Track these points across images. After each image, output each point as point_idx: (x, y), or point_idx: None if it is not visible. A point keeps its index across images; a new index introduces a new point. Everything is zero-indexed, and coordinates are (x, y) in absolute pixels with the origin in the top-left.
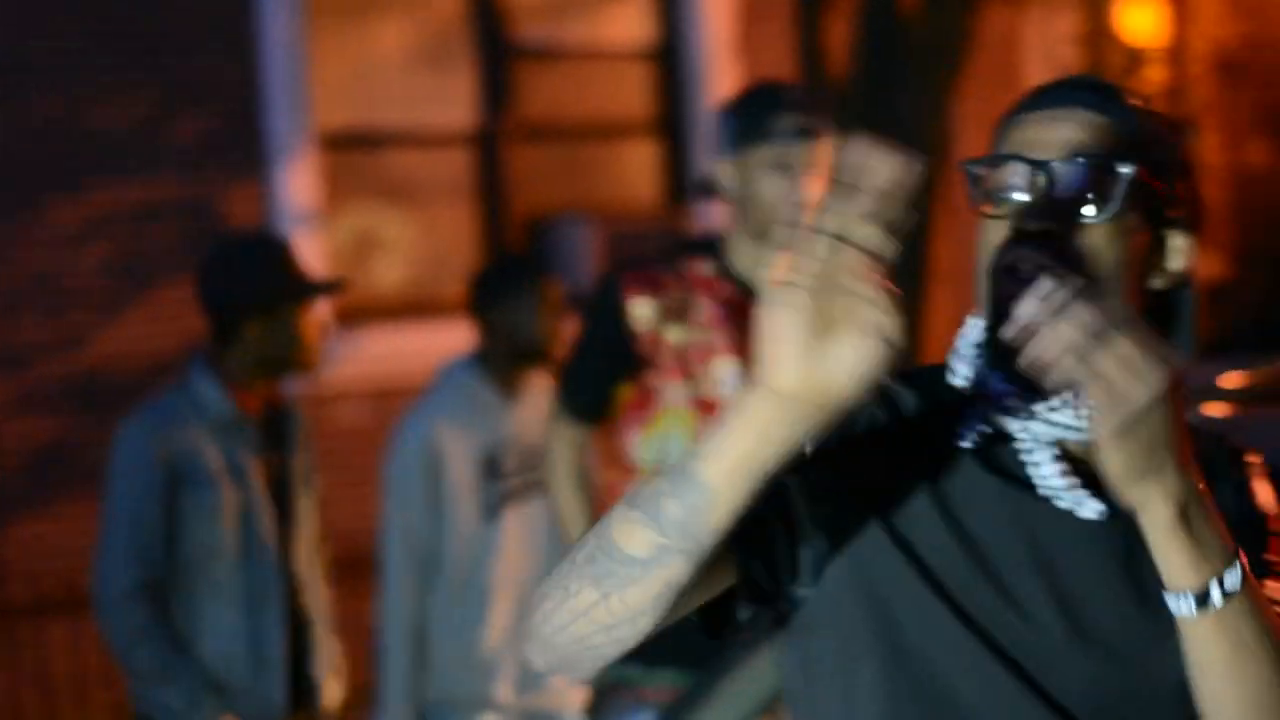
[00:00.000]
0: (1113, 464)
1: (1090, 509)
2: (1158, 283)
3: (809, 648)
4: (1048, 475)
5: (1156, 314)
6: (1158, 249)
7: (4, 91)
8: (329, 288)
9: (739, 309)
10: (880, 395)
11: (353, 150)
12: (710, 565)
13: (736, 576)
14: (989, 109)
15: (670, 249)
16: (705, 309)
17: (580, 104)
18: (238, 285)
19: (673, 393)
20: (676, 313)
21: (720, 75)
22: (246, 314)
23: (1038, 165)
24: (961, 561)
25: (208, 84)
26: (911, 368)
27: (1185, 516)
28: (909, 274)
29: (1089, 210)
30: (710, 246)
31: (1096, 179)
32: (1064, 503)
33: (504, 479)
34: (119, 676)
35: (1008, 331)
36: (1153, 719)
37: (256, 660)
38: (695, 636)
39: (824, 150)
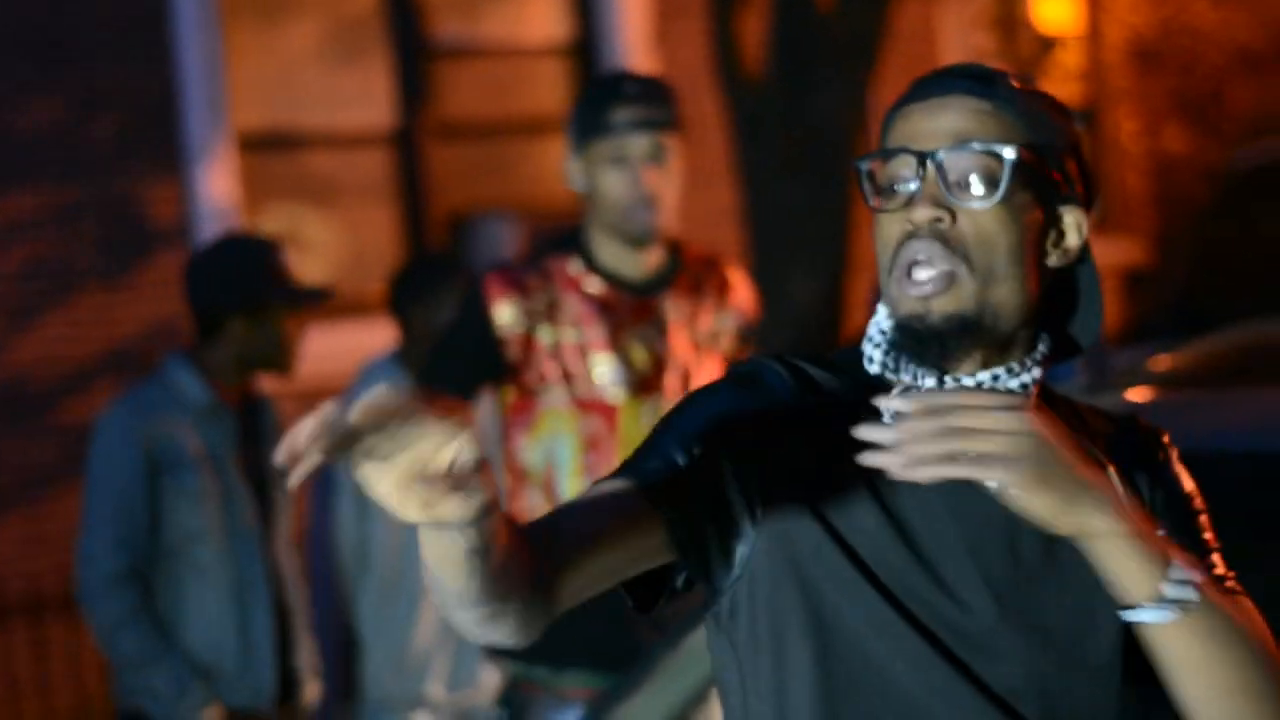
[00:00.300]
0: (1037, 510)
1: None
2: (1055, 260)
3: (738, 632)
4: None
5: (1058, 293)
6: (1053, 227)
7: None
8: (319, 295)
9: (607, 304)
10: (803, 379)
11: (271, 151)
12: (623, 538)
13: (670, 544)
14: None
15: (534, 249)
16: (574, 306)
17: (498, 101)
18: (228, 284)
19: (552, 395)
20: (545, 314)
21: (637, 70)
22: (233, 313)
23: (923, 155)
24: (892, 545)
25: (124, 87)
26: (830, 352)
27: (1122, 526)
28: (831, 266)
29: (978, 195)
30: (573, 242)
31: (982, 164)
32: (993, 484)
33: None
34: (85, 678)
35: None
36: (1086, 700)
37: (245, 647)
38: (606, 634)
39: (667, 141)
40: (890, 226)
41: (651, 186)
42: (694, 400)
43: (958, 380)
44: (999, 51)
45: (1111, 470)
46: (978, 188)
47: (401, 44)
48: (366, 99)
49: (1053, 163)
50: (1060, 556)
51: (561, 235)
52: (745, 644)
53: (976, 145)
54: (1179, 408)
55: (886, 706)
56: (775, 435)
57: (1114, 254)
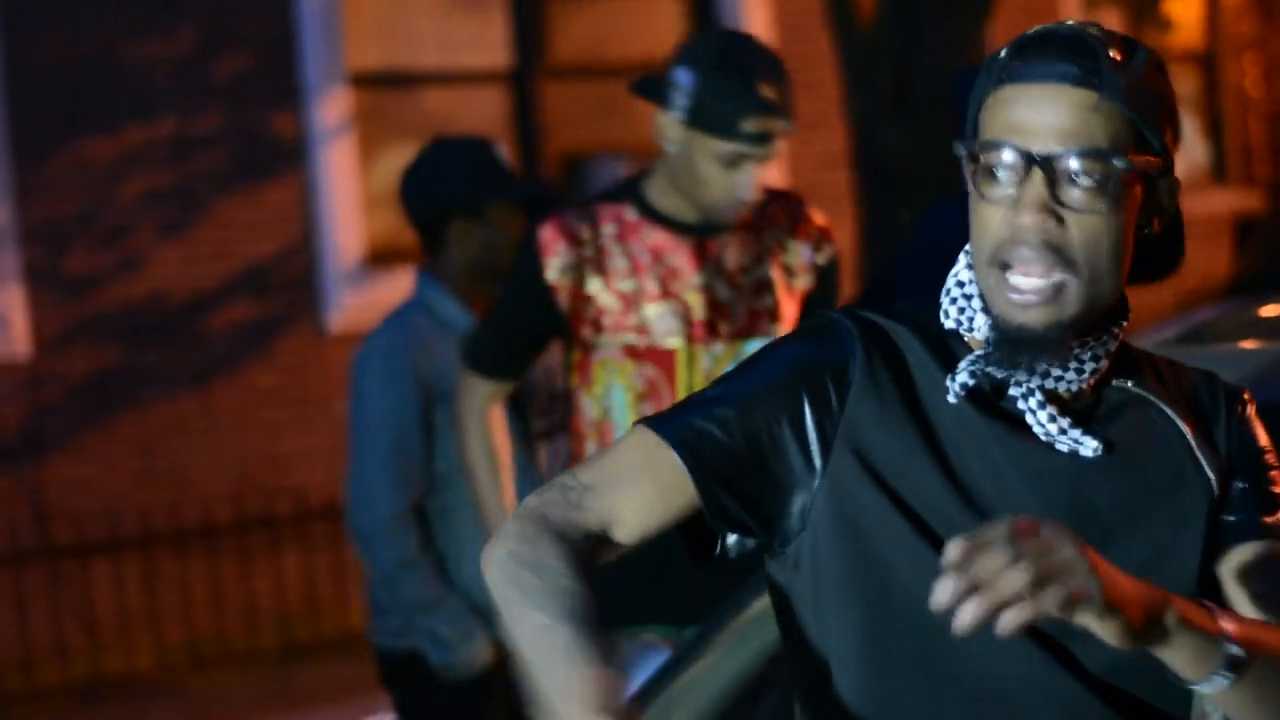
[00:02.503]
0: (1112, 635)
1: (1089, 448)
2: (1150, 230)
3: (801, 584)
4: (1043, 421)
5: (1149, 256)
6: (1152, 201)
7: (45, 30)
8: (535, 188)
9: (664, 250)
10: (872, 334)
11: (386, 89)
12: (656, 498)
13: (704, 506)
14: None
15: (589, 197)
16: (629, 254)
17: (613, 44)
18: (438, 189)
19: (605, 346)
20: (596, 264)
21: (752, 10)
22: (447, 217)
23: (1030, 158)
24: (955, 506)
25: (244, 24)
26: (905, 306)
27: (1172, 624)
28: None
29: (1087, 201)
30: (631, 190)
31: (1092, 169)
32: (1063, 445)
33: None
34: (163, 616)
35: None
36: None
37: None
38: (687, 585)
39: (779, 144)
40: (992, 216)
41: (757, 185)
42: (760, 356)
43: (1041, 369)
44: None
45: (1188, 431)
46: (1087, 194)
47: None
48: (482, 41)
49: (1156, 143)
50: (1131, 509)
51: (618, 183)
52: (807, 595)
53: (1087, 151)
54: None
55: (939, 667)
56: (841, 389)
57: (1232, 202)
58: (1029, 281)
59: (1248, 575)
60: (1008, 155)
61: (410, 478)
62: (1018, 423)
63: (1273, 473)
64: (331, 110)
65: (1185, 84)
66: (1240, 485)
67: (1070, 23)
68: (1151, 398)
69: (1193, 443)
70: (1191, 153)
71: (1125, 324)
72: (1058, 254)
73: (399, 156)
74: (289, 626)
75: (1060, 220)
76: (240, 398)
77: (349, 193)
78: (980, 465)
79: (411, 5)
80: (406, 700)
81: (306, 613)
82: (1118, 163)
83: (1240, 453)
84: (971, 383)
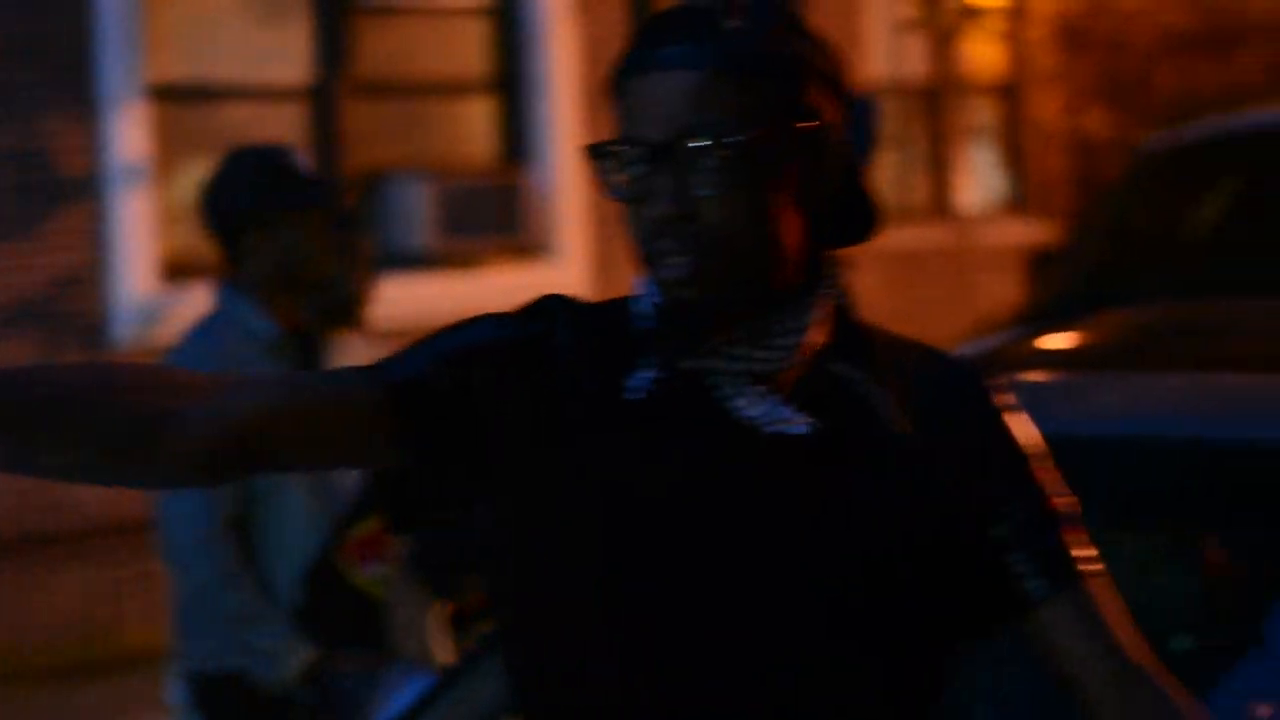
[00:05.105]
0: None
1: (799, 425)
2: (818, 193)
3: (500, 580)
4: (745, 405)
5: (834, 210)
6: (809, 166)
7: None
8: (326, 194)
9: None
10: (568, 326)
11: (186, 103)
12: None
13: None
14: None
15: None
16: None
17: (418, 60)
18: (226, 198)
19: None
20: None
21: (557, 32)
22: (242, 225)
23: (652, 150)
24: (653, 499)
25: (38, 34)
26: (596, 302)
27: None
28: None
29: (713, 184)
30: None
31: (713, 152)
32: (771, 427)
33: None
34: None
35: None
36: (835, 630)
37: None
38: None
39: None
40: (632, 213)
41: None
42: (458, 326)
43: (725, 340)
44: (920, 20)
45: (904, 412)
46: (714, 176)
47: (322, 1)
48: (284, 54)
49: (795, 107)
50: (844, 492)
51: None
52: (506, 592)
53: (703, 133)
54: (1048, 389)
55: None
56: (520, 376)
57: (1030, 234)
58: (673, 271)
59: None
60: (632, 150)
61: (222, 493)
62: (723, 410)
63: (1027, 467)
64: (128, 125)
65: (987, 116)
66: (968, 469)
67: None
68: (868, 378)
69: (911, 423)
70: (992, 184)
71: (828, 295)
72: (691, 238)
73: (198, 172)
74: (66, 645)
75: (693, 206)
76: None
77: (145, 210)
78: (675, 460)
79: (213, 17)
80: None
81: (85, 631)
82: (737, 138)
83: (987, 446)
84: (650, 378)
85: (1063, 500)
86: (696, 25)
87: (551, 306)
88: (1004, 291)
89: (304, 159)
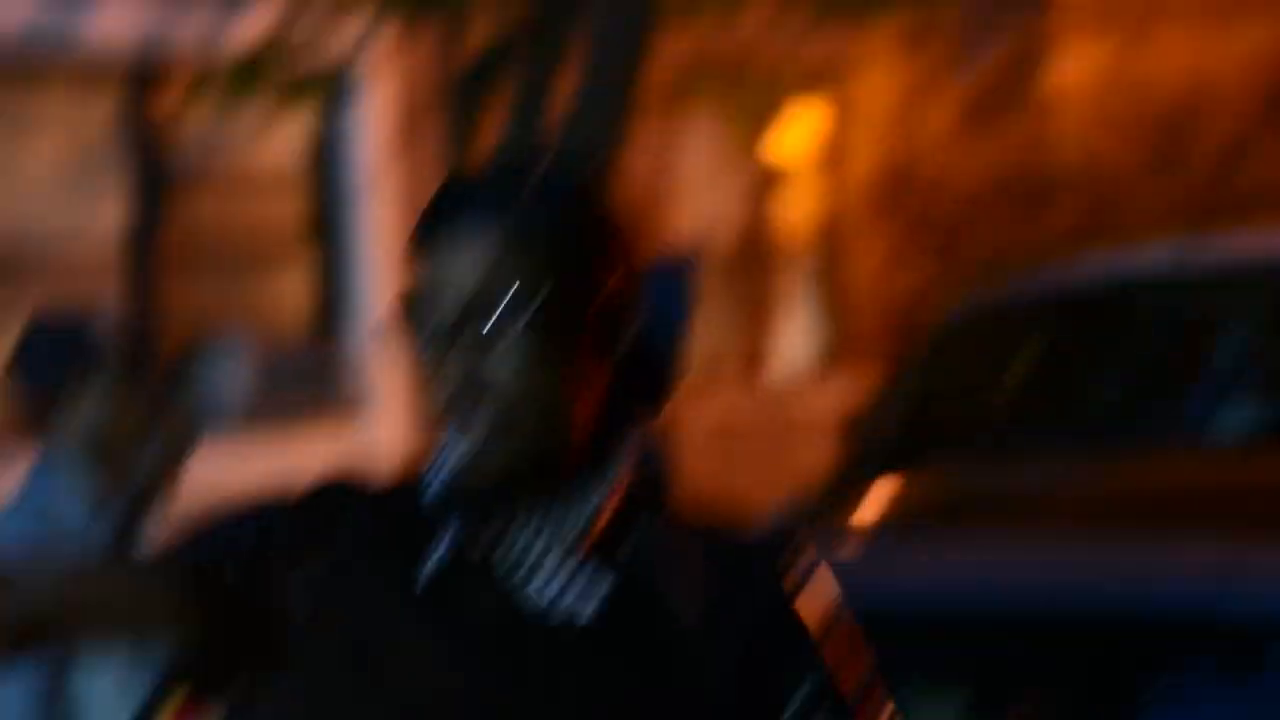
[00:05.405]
0: None
1: (585, 610)
2: (617, 353)
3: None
4: (531, 590)
5: (629, 373)
6: (604, 330)
7: None
8: (137, 365)
9: None
10: (354, 517)
11: None
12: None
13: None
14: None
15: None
16: None
17: (232, 227)
18: (31, 367)
19: None
20: None
21: (371, 199)
22: (48, 395)
23: (440, 328)
24: (436, 691)
25: None
26: (387, 485)
27: None
28: None
29: (501, 353)
30: None
31: (505, 333)
32: (556, 615)
33: None
34: None
35: None
36: None
37: None
38: None
39: None
40: (431, 379)
41: None
42: (245, 515)
43: (519, 519)
44: (730, 182)
45: (697, 614)
46: (502, 356)
47: (136, 168)
48: (98, 222)
49: (590, 279)
50: (610, 697)
51: None
52: None
53: (492, 315)
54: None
55: None
56: (304, 568)
57: (843, 394)
58: (460, 451)
59: None
60: (423, 321)
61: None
62: (509, 596)
63: (792, 641)
64: None
65: (800, 272)
66: (752, 662)
67: (484, 167)
68: (659, 563)
69: (697, 613)
70: (807, 345)
71: (627, 467)
72: (482, 406)
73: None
74: None
75: (481, 386)
76: None
77: None
78: (458, 655)
79: (29, 177)
80: None
81: None
82: (528, 315)
83: (751, 623)
84: (437, 567)
85: (854, 679)
86: (487, 197)
87: (336, 494)
88: (819, 457)
89: (111, 325)
